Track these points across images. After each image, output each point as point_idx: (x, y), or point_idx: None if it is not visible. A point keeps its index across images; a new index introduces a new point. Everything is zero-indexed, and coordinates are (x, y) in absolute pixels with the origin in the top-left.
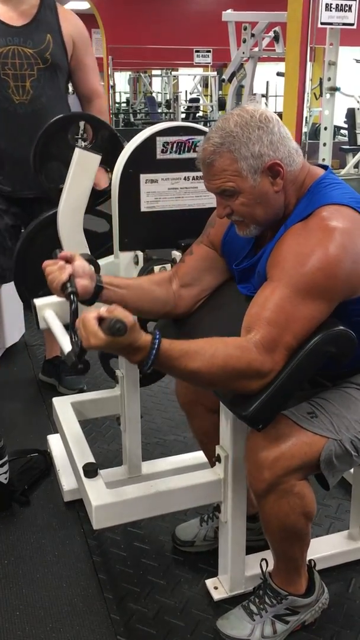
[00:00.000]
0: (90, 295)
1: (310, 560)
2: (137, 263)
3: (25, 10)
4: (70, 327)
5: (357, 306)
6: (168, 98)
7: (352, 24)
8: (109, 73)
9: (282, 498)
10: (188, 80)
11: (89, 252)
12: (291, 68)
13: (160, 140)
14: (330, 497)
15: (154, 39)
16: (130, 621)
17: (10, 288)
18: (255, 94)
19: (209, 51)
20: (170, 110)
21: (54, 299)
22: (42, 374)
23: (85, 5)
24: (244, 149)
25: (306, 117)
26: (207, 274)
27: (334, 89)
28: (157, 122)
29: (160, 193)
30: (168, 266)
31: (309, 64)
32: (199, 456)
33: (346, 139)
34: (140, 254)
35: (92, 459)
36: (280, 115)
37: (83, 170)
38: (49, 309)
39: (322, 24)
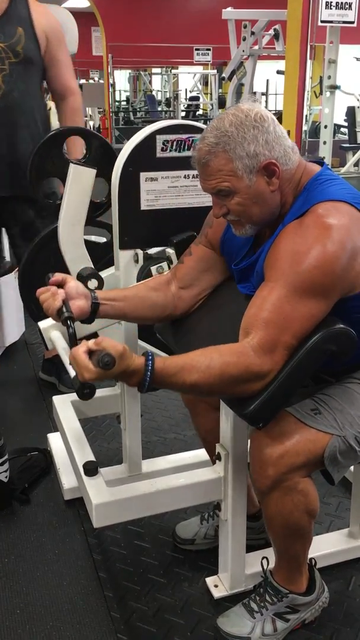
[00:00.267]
0: (88, 315)
1: (310, 559)
2: (137, 261)
3: None
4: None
5: (356, 303)
6: (168, 96)
7: (352, 22)
8: (109, 71)
9: (286, 495)
10: (188, 78)
11: (92, 265)
12: (291, 66)
13: (160, 139)
14: (331, 495)
15: (154, 37)
16: (131, 619)
17: (10, 288)
18: (255, 92)
19: (208, 49)
20: (170, 109)
21: None
22: (42, 373)
23: (85, 4)
24: (239, 148)
25: (306, 115)
26: (207, 274)
27: (334, 87)
28: (157, 121)
29: (160, 191)
30: (164, 265)
31: (309, 62)
32: (199, 454)
33: (346, 137)
34: (140, 252)
35: (92, 457)
36: (280, 113)
37: (79, 185)
38: (55, 330)
39: (322, 22)
